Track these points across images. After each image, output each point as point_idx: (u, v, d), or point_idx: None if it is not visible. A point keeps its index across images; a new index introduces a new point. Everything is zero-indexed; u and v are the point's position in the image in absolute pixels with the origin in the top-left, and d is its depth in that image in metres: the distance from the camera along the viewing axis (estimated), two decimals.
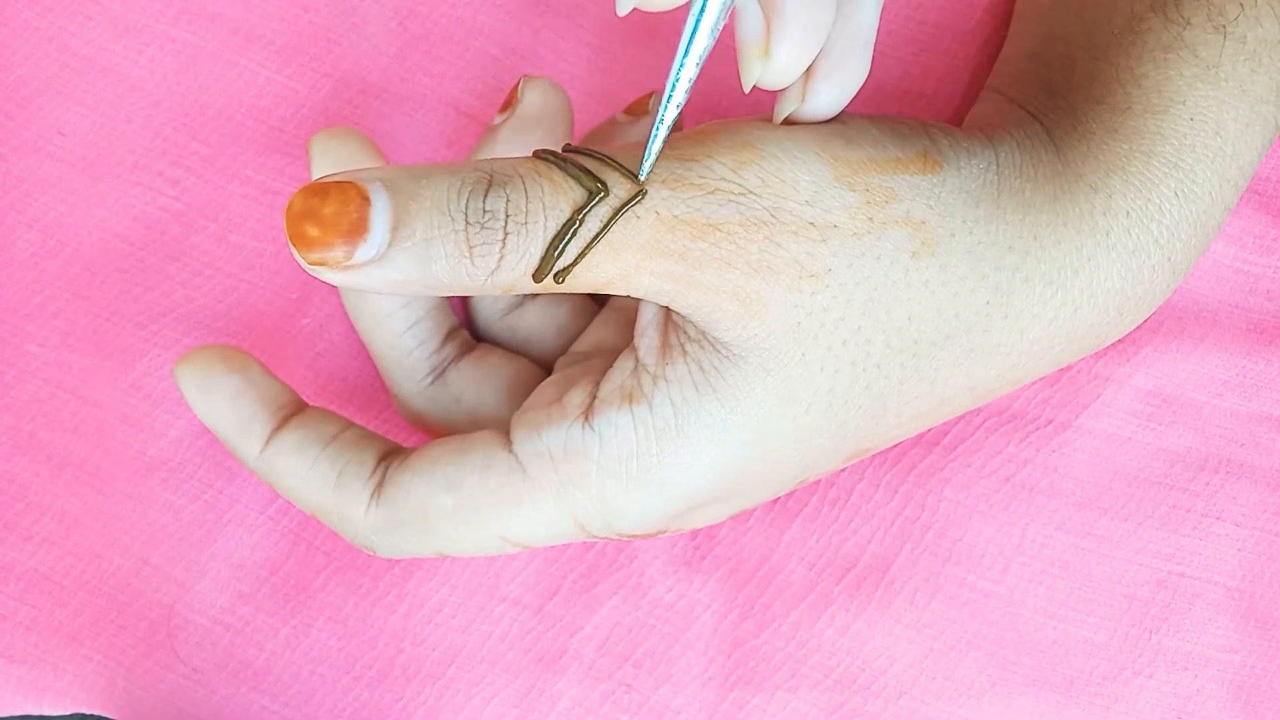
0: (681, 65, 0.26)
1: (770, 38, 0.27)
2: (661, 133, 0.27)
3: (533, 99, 0.32)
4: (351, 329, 0.37)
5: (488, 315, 0.36)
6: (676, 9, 0.25)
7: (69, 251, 0.37)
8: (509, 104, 0.33)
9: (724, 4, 0.25)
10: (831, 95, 0.28)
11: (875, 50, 0.38)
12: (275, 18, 0.38)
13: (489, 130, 0.33)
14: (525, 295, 0.35)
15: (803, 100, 0.28)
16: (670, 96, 0.27)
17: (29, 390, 0.37)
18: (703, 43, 0.26)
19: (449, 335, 0.35)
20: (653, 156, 0.27)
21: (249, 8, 0.38)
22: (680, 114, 0.27)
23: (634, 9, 0.25)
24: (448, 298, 0.36)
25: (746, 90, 0.28)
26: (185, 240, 0.37)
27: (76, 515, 0.36)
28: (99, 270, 0.37)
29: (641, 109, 0.35)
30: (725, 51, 0.39)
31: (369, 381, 0.37)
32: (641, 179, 0.27)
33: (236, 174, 0.38)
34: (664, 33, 0.39)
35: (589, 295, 0.36)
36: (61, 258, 0.37)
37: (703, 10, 0.25)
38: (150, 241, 0.37)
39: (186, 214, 0.38)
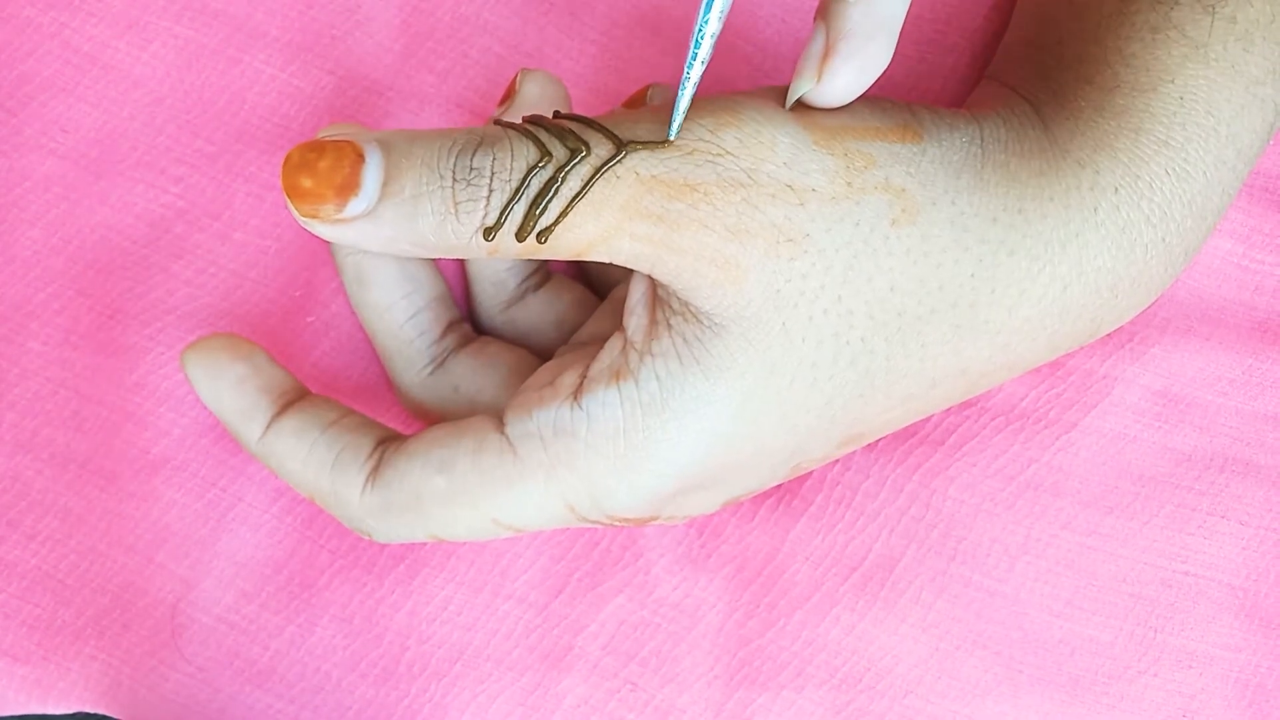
0: (705, 19, 0.27)
1: (826, 63, 0.27)
2: (688, 90, 0.27)
3: (531, 90, 0.33)
4: (355, 327, 0.37)
5: (489, 308, 0.36)
6: None
7: (72, 249, 0.37)
8: (508, 96, 0.33)
9: None
10: (849, 79, 0.28)
11: None
12: (279, 15, 0.38)
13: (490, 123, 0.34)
14: (526, 287, 0.36)
15: (818, 81, 0.28)
16: (695, 54, 0.27)
17: (32, 388, 0.37)
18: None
19: (450, 326, 0.35)
20: (680, 115, 0.27)
21: (253, 4, 0.38)
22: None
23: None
24: (451, 290, 0.36)
25: (787, 106, 0.28)
26: (189, 238, 0.37)
27: (80, 513, 0.36)
28: (102, 268, 0.37)
29: (640, 102, 0.35)
30: (729, 49, 0.39)
31: (372, 379, 0.37)
32: (671, 138, 0.28)
33: (240, 171, 0.38)
34: (667, 30, 0.39)
35: (589, 289, 0.36)
36: (64, 255, 0.37)
37: None
38: (153, 239, 0.37)
39: (190, 212, 0.38)
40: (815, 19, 0.28)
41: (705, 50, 0.27)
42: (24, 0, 0.38)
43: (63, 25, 0.38)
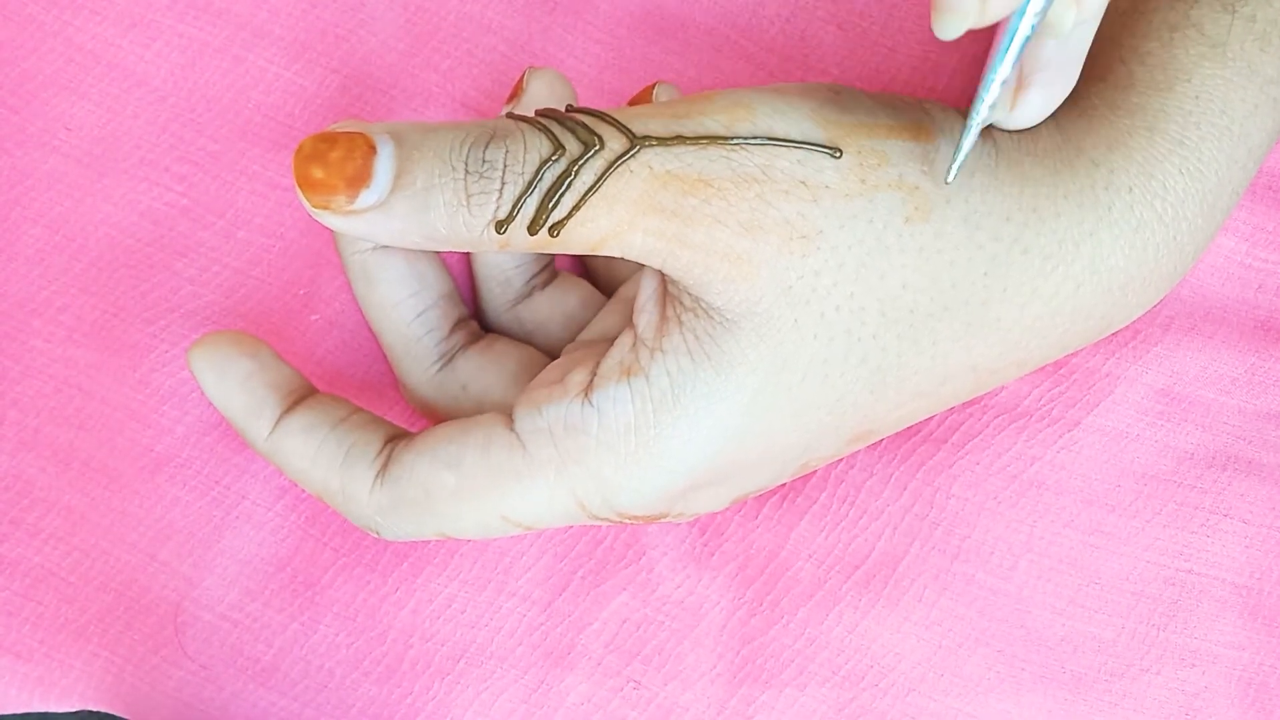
0: (999, 66, 0.27)
1: (1022, 94, 0.28)
2: (972, 132, 0.28)
3: (538, 88, 0.33)
4: (359, 324, 0.37)
5: (496, 306, 0.36)
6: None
7: (75, 247, 0.37)
8: (515, 94, 0.33)
9: (1041, 13, 0.26)
10: (1038, 105, 0.29)
11: (887, 47, 0.38)
12: (283, 13, 0.38)
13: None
14: (533, 285, 0.36)
15: (1011, 109, 0.29)
16: (984, 98, 0.28)
17: (35, 386, 0.37)
18: (1019, 45, 0.26)
19: (457, 324, 0.35)
20: (963, 155, 0.28)
21: (256, 3, 0.38)
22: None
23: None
24: (458, 288, 0.36)
25: (977, 131, 0.29)
26: (192, 236, 0.37)
27: (83, 511, 0.36)
28: (105, 266, 0.37)
29: (645, 101, 0.35)
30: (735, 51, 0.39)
31: (377, 377, 0.37)
32: (949, 180, 0.28)
33: (244, 170, 0.38)
34: (671, 29, 0.39)
35: (596, 287, 0.36)
36: (68, 253, 0.37)
37: (1020, 16, 0.26)
38: (157, 237, 0.37)
39: (194, 210, 0.38)
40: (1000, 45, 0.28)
41: (994, 94, 0.27)
42: None
43: (66, 23, 0.38)
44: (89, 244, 0.37)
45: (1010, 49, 0.26)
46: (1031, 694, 0.35)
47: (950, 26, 0.25)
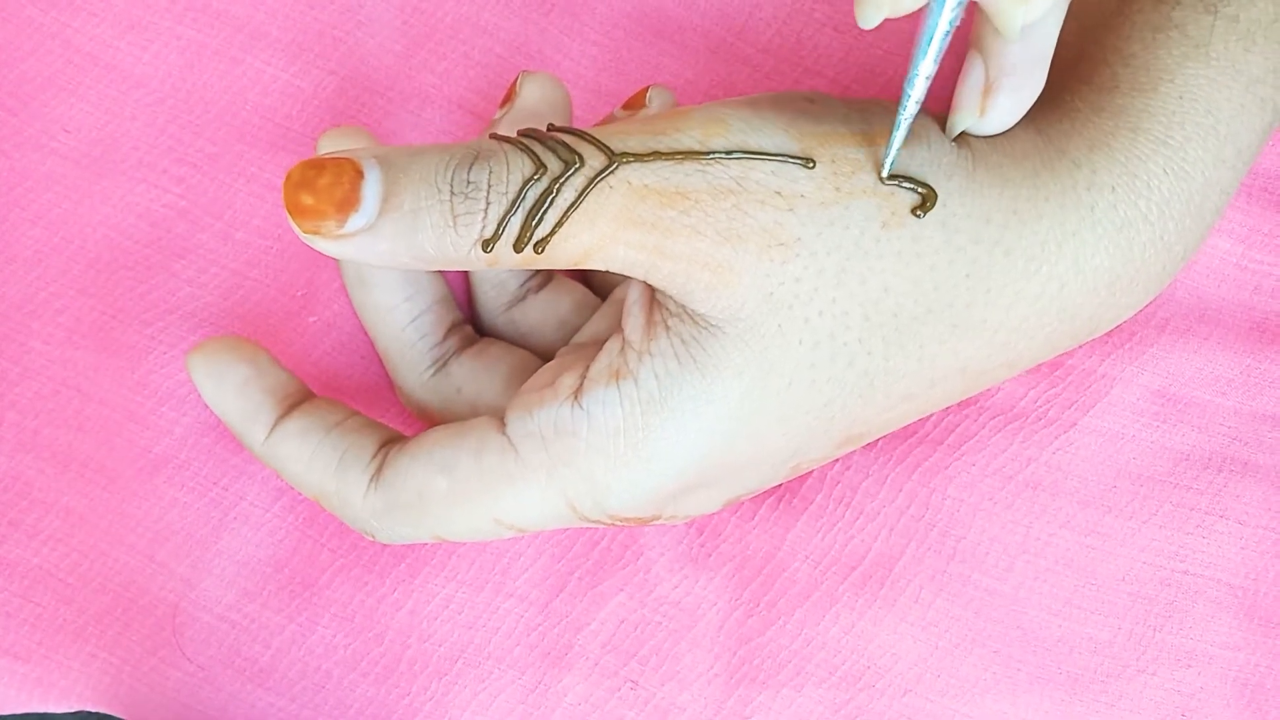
0: (920, 61, 0.27)
1: (990, 99, 0.28)
2: (902, 128, 0.28)
3: (531, 92, 0.33)
4: (356, 327, 0.37)
5: (490, 310, 0.36)
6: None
7: (73, 249, 0.37)
8: (508, 98, 0.33)
9: (958, 5, 0.26)
10: (1008, 109, 0.29)
11: (883, 50, 0.38)
12: (281, 15, 0.38)
13: (491, 125, 0.34)
14: (527, 289, 0.36)
15: (981, 115, 0.29)
16: (909, 94, 0.28)
17: (34, 388, 0.37)
18: (939, 40, 0.26)
19: (452, 328, 0.35)
20: (894, 152, 0.28)
21: (254, 5, 0.38)
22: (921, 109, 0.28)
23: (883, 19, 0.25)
24: (453, 292, 0.36)
25: (950, 138, 0.29)
26: (191, 238, 0.37)
27: (82, 512, 0.36)
28: (104, 267, 0.37)
29: (639, 103, 0.35)
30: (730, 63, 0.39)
31: (374, 380, 0.37)
32: (884, 176, 0.29)
33: (242, 171, 0.38)
34: (668, 31, 0.39)
35: (590, 290, 0.36)
36: (66, 255, 0.37)
37: (940, 8, 0.26)
38: (155, 239, 0.37)
39: (192, 211, 0.38)
40: (970, 50, 0.29)
41: (920, 90, 0.28)
42: (25, 0, 0.38)
43: (64, 25, 0.38)
44: (87, 246, 0.37)
45: (933, 41, 0.26)
46: (1028, 695, 0.35)
47: (869, 15, 0.25)
